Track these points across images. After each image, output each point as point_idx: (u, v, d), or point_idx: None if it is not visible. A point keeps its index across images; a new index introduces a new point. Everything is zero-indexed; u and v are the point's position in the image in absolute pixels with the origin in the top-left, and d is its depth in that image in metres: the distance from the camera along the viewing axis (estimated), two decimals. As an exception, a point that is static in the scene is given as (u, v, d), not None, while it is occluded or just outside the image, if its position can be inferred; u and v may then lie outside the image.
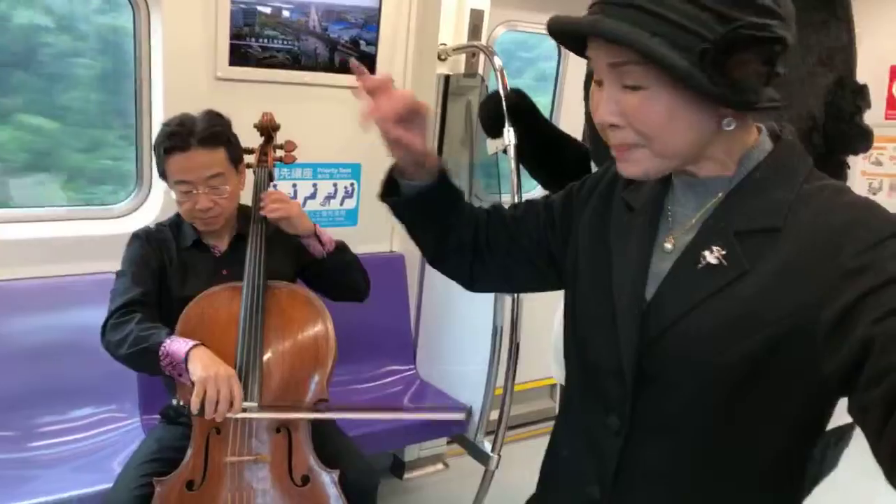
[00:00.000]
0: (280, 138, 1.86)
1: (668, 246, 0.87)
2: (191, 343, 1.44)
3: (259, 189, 1.76)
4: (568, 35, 0.82)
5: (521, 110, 1.82)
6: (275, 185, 1.94)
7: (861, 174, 3.26)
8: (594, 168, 1.55)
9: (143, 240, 1.71)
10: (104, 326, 1.55)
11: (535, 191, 3.17)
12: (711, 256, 0.81)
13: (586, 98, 1.48)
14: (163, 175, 1.68)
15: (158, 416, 1.82)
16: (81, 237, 2.14)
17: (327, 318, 1.64)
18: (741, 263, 0.78)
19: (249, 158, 1.79)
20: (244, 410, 1.44)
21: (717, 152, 0.82)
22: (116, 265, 1.71)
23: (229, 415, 1.40)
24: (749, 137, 0.83)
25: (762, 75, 0.74)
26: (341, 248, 1.81)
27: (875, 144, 3.30)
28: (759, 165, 0.82)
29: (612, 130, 0.80)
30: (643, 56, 0.72)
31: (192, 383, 1.40)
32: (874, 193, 3.18)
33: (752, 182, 0.81)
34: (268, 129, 1.81)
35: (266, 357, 1.58)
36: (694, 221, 0.85)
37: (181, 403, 1.51)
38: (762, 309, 0.76)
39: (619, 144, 0.81)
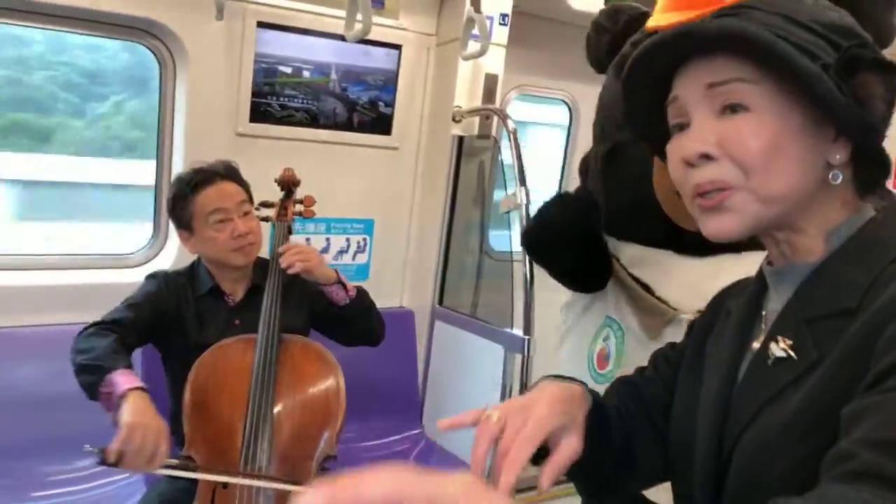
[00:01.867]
0: (298, 193, 1.91)
1: (755, 346, 0.77)
2: (136, 384, 1.36)
3: (278, 242, 1.79)
4: (668, 52, 0.74)
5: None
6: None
7: None
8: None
9: (161, 281, 1.73)
10: (79, 333, 1.52)
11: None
12: (778, 349, 0.72)
13: (583, 173, 1.48)
14: (185, 221, 1.70)
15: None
16: (98, 285, 2.16)
17: (339, 373, 1.64)
18: (809, 353, 0.68)
19: (269, 212, 1.82)
20: (257, 474, 1.42)
21: (810, 224, 0.73)
22: None
23: (158, 472, 1.34)
24: (846, 210, 0.73)
25: (886, 103, 0.69)
26: (361, 293, 1.83)
27: None
28: (848, 240, 0.71)
29: (702, 166, 0.71)
30: (776, 63, 0.67)
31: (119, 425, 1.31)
32: None
33: (834, 260, 0.71)
34: (288, 184, 1.85)
35: (277, 410, 1.57)
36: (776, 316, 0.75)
37: (188, 455, 1.50)
38: (825, 405, 0.65)
39: (710, 182, 0.71)
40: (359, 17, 1.88)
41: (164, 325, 1.67)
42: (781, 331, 0.72)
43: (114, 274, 2.24)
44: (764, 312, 0.78)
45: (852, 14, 1.11)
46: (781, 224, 0.73)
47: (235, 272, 1.75)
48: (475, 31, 2.19)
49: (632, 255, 1.49)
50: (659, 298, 1.41)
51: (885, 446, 0.55)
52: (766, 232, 0.74)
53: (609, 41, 1.55)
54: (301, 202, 1.87)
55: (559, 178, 3.26)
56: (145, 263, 2.26)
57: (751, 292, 0.81)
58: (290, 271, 1.66)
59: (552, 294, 1.80)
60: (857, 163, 0.72)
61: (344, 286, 1.76)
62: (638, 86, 0.79)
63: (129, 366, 1.43)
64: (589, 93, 1.79)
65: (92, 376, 1.41)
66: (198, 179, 1.68)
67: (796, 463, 0.66)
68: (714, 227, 0.72)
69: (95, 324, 1.55)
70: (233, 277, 1.75)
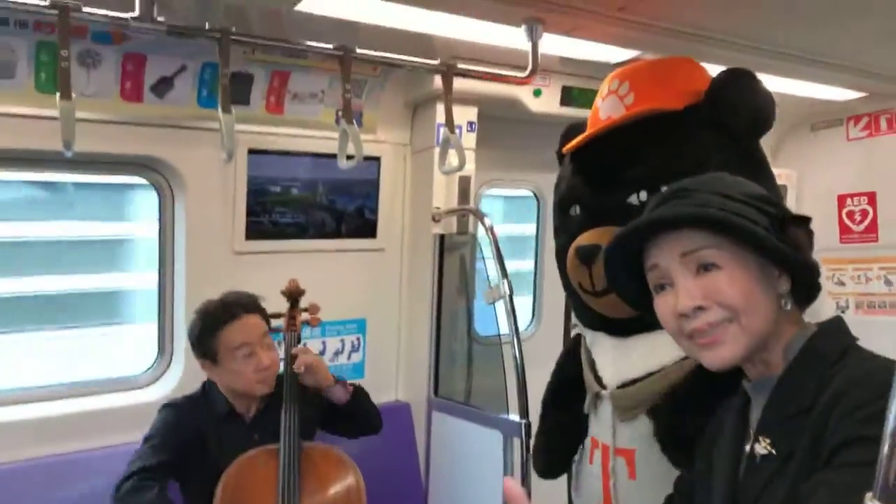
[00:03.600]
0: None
1: (748, 448, 0.94)
2: None
3: (288, 351, 1.90)
4: (639, 237, 0.94)
5: None
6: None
7: (828, 294, 3.50)
8: None
9: (177, 408, 1.82)
10: (119, 486, 1.61)
11: (529, 330, 3.35)
12: (761, 448, 0.89)
13: (561, 267, 1.64)
14: (210, 354, 1.79)
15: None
16: (106, 409, 2.23)
17: (359, 474, 1.74)
18: (784, 448, 0.85)
19: (277, 322, 1.94)
20: None
21: (775, 344, 0.91)
22: (143, 434, 1.79)
23: None
24: (794, 327, 0.93)
25: (809, 245, 0.91)
26: (358, 388, 1.94)
27: (835, 266, 3.57)
28: (798, 354, 0.90)
29: (696, 316, 0.89)
30: (733, 233, 0.87)
31: None
32: (842, 311, 3.40)
33: (790, 371, 0.89)
34: (294, 295, 1.97)
35: None
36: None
37: None
38: (803, 490, 0.79)
39: (707, 325, 0.89)
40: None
41: (187, 454, 1.73)
42: (762, 432, 0.90)
43: (122, 397, 2.30)
44: (751, 416, 0.96)
45: (724, 103, 1.40)
46: (760, 348, 0.92)
47: (254, 397, 1.85)
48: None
49: (588, 339, 1.67)
50: (598, 377, 1.57)
51: None
52: (753, 351, 0.93)
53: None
54: (306, 310, 1.99)
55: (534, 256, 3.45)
56: (153, 383, 2.34)
57: (738, 406, 1.00)
58: (303, 368, 1.78)
59: (543, 372, 1.91)
60: (795, 289, 0.93)
61: (344, 385, 1.88)
62: (618, 258, 1.00)
63: None
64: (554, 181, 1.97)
65: None
66: (225, 317, 1.79)
67: None
68: (713, 357, 0.91)
69: (130, 475, 1.63)
70: (248, 400, 1.85)
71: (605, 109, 1.55)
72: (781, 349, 0.91)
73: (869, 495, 0.55)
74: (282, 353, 1.94)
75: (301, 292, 2.00)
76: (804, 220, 0.92)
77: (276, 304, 2.00)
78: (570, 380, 1.72)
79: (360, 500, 1.71)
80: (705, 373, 0.96)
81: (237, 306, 1.80)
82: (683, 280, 0.90)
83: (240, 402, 1.85)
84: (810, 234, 0.92)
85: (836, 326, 0.93)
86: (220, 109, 1.70)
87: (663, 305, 0.94)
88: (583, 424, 1.66)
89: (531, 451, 1.91)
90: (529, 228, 3.53)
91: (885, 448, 0.55)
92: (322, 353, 2.64)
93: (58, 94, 1.48)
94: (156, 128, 2.20)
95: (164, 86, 2.16)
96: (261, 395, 1.84)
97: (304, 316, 2.00)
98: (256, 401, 1.87)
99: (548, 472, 1.86)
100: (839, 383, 0.82)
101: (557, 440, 1.77)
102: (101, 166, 2.25)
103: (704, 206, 0.89)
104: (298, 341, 1.96)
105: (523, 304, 3.26)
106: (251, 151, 2.36)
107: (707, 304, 0.89)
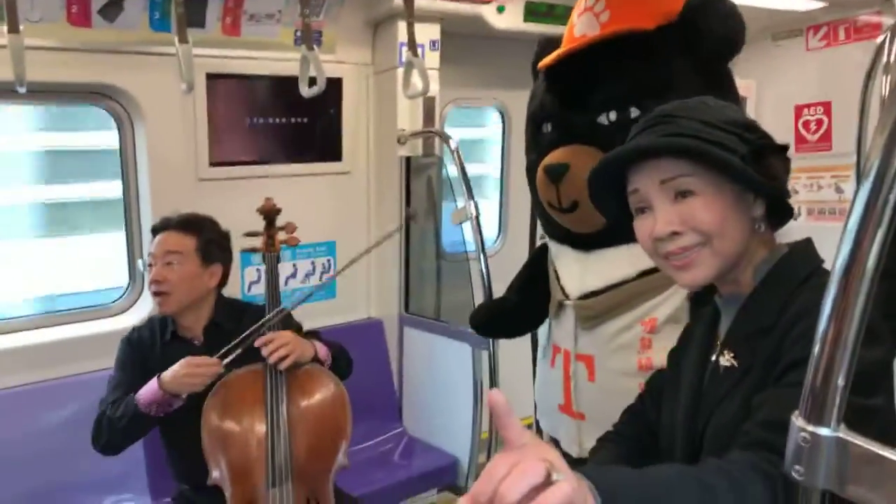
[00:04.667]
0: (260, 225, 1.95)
1: (713, 358, 1.01)
2: (155, 381, 1.64)
3: (271, 273, 1.88)
4: (621, 163, 0.99)
5: None
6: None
7: (782, 202, 3.63)
8: None
9: (126, 343, 1.87)
10: (93, 431, 1.73)
11: (496, 245, 3.43)
12: (725, 360, 0.96)
13: (531, 183, 1.67)
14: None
15: (171, 501, 1.96)
16: (80, 338, 2.27)
17: (342, 386, 1.80)
18: (744, 362, 0.92)
19: (256, 242, 1.92)
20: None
21: (747, 263, 0.96)
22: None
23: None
24: (766, 247, 0.98)
25: (785, 173, 0.95)
26: (336, 356, 1.92)
27: (791, 176, 3.68)
28: (767, 273, 0.96)
29: (671, 239, 0.95)
30: (709, 162, 0.91)
31: (177, 395, 1.63)
32: (794, 219, 3.53)
33: (758, 289, 0.95)
34: (271, 214, 1.94)
35: (294, 433, 1.71)
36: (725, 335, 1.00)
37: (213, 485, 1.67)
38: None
39: (680, 249, 0.95)
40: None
41: (140, 378, 1.76)
42: (727, 346, 0.97)
43: (95, 325, 2.34)
44: (719, 331, 1.03)
45: (696, 26, 1.41)
46: (732, 269, 0.98)
47: (185, 315, 1.84)
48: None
49: (553, 250, 1.74)
50: (561, 287, 1.66)
51: (772, 425, 0.80)
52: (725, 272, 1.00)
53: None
54: (283, 229, 1.96)
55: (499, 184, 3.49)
56: (125, 311, 2.38)
57: (708, 318, 1.07)
58: (281, 366, 1.71)
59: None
60: (770, 213, 0.98)
61: (326, 352, 1.86)
62: (601, 180, 1.04)
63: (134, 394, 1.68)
64: (519, 97, 1.96)
65: (140, 424, 1.69)
66: (155, 227, 1.85)
67: None
68: (687, 279, 0.97)
69: (101, 414, 1.72)
70: (163, 311, 1.84)
71: (580, 27, 1.55)
72: (752, 269, 0.97)
73: (796, 413, 0.61)
74: (263, 275, 1.94)
75: (277, 211, 1.95)
76: (782, 149, 0.95)
77: (247, 228, 1.93)
78: (536, 279, 1.80)
79: (346, 415, 1.79)
80: None
81: (167, 221, 1.84)
82: (661, 205, 0.95)
83: (182, 327, 1.87)
84: (786, 161, 0.96)
85: (805, 249, 0.98)
86: (175, 39, 1.64)
87: (642, 228, 1.00)
88: (537, 311, 1.76)
89: (477, 310, 1.99)
90: (483, 132, 3.50)
91: (810, 370, 0.60)
92: (293, 275, 2.69)
93: (5, 27, 1.41)
94: (108, 54, 2.13)
95: (112, 8, 2.07)
96: (195, 314, 1.85)
97: (282, 236, 1.96)
98: (200, 322, 1.86)
99: (481, 327, 1.96)
100: (798, 306, 0.89)
101: (509, 309, 1.87)
102: (52, 95, 2.19)
103: (683, 136, 0.94)
104: (278, 261, 1.94)
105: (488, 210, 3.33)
106: (209, 76, 2.31)
107: (682, 229, 0.94)
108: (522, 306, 1.83)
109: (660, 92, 1.38)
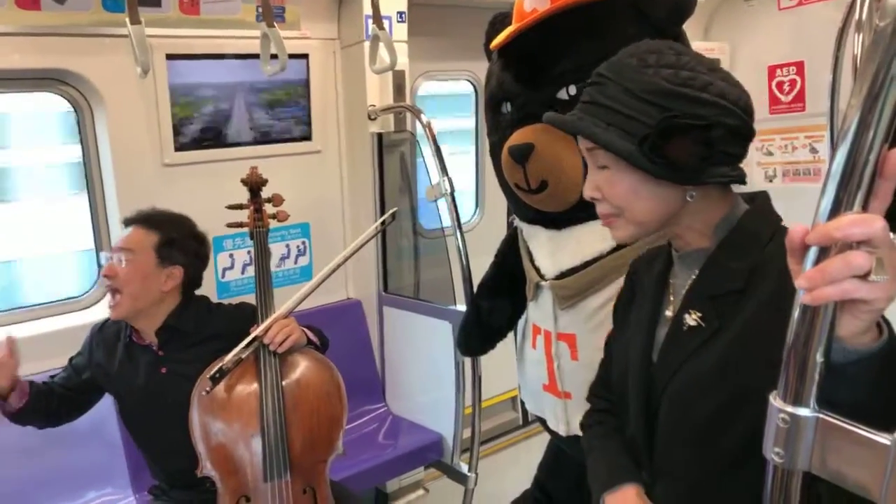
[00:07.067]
0: (235, 215, 1.87)
1: (668, 314, 1.01)
2: None
3: (262, 251, 1.80)
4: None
5: None
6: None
7: (757, 164, 3.63)
8: None
9: (93, 333, 1.83)
10: None
11: (473, 220, 3.40)
12: (690, 319, 0.95)
13: (496, 164, 1.64)
14: None
15: (148, 494, 1.92)
16: (51, 333, 2.21)
17: (338, 376, 1.76)
18: (713, 322, 0.92)
19: (243, 217, 1.84)
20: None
21: (694, 223, 0.96)
22: None
23: None
24: (723, 207, 0.96)
25: (702, 156, 0.88)
26: (324, 340, 1.88)
27: (764, 137, 3.67)
28: (730, 233, 0.94)
29: (596, 204, 0.99)
30: (596, 143, 0.92)
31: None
32: (770, 181, 3.54)
33: (722, 249, 0.94)
34: (257, 185, 1.85)
35: (289, 424, 1.67)
36: (684, 291, 0.99)
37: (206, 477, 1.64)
38: (731, 362, 0.88)
39: (601, 214, 0.99)
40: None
41: (99, 374, 1.76)
42: (691, 305, 0.96)
43: (65, 319, 2.28)
44: (672, 282, 1.02)
45: None
46: (666, 228, 0.98)
47: (136, 319, 1.73)
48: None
49: (525, 231, 1.71)
50: (536, 268, 1.64)
51: None
52: (659, 232, 1.00)
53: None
54: (270, 201, 1.86)
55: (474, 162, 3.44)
56: (98, 302, 2.32)
57: (659, 269, 1.06)
58: (280, 349, 1.66)
59: (487, 260, 1.95)
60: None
61: (309, 340, 1.79)
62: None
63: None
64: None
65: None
66: (125, 220, 1.77)
67: (711, 405, 0.91)
68: (615, 236, 1.01)
69: None
70: (137, 323, 1.74)
71: (530, 1, 1.50)
72: (709, 228, 0.96)
73: (774, 394, 0.61)
74: (252, 255, 1.85)
75: (263, 182, 1.84)
76: (689, 129, 0.87)
77: (218, 214, 1.87)
78: (510, 271, 1.78)
79: (341, 402, 1.76)
80: None
81: (137, 215, 1.76)
82: (590, 171, 0.98)
83: (135, 327, 1.76)
84: (708, 140, 0.88)
85: (764, 205, 0.97)
86: (127, 20, 1.57)
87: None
88: (516, 308, 1.76)
89: (460, 328, 1.99)
90: (455, 86, 3.43)
91: (787, 349, 0.59)
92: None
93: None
94: (60, 37, 2.04)
95: (62, -11, 1.98)
96: (149, 319, 1.73)
97: (270, 209, 1.85)
98: (150, 328, 1.74)
99: (471, 350, 2.00)
100: (772, 277, 0.87)
101: (491, 319, 1.88)
102: (4, 84, 2.09)
103: (590, 114, 0.94)
104: (267, 236, 1.85)
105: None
106: (169, 57, 2.22)
107: (598, 196, 0.98)
108: (498, 307, 1.84)
109: None
